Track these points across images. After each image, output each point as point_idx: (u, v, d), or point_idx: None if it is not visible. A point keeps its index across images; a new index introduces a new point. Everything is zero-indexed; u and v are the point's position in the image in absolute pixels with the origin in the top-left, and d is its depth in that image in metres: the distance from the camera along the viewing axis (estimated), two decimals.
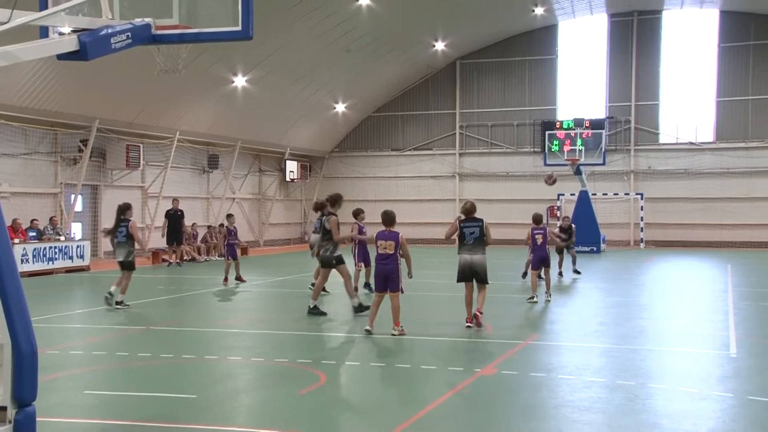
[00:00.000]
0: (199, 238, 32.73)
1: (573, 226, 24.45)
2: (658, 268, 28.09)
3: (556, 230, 23.06)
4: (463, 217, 13.57)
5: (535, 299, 16.71)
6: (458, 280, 13.57)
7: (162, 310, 15.88)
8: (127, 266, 16.19)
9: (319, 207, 16.78)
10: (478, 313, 13.25)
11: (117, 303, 15.95)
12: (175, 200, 30.21)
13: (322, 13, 30.48)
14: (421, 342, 12.52)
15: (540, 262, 17.51)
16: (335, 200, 15.56)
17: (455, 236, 13.71)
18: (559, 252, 22.77)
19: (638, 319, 15.27)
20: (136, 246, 16.60)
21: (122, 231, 16.32)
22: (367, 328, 12.74)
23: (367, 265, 17.62)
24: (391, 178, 43.05)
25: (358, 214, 18.19)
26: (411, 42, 37.96)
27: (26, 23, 7.31)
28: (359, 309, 14.69)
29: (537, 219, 17.84)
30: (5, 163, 25.58)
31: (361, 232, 17.67)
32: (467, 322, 13.33)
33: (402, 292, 12.81)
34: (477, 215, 13.61)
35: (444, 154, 42.78)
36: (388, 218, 13.11)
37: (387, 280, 12.71)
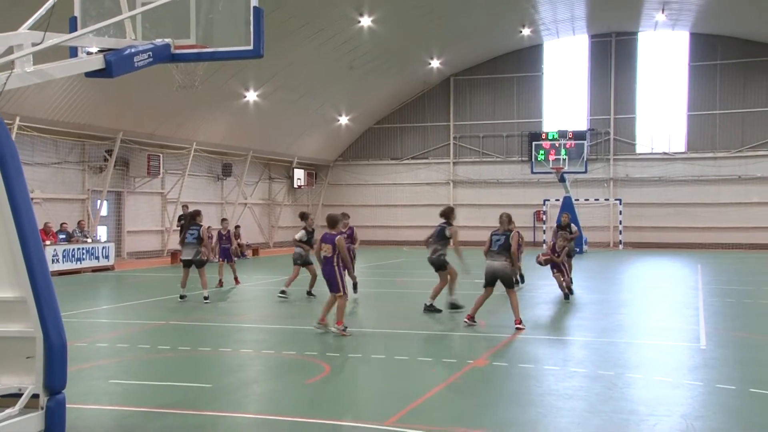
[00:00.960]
0: (214, 240, 32.64)
1: (573, 225, 20.16)
2: (635, 268, 28.09)
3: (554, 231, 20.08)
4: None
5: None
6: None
7: (179, 306, 15.86)
8: (198, 264, 16.48)
9: (446, 215, 15.40)
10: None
11: (205, 297, 16.23)
12: (184, 206, 29.26)
13: (326, 33, 30.52)
14: (418, 336, 12.52)
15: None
16: (450, 212, 15.23)
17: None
18: (569, 255, 18.24)
19: (617, 314, 15.28)
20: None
21: (193, 233, 16.61)
22: (315, 324, 12.42)
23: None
24: (390, 185, 43.04)
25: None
26: (409, 60, 37.99)
27: (58, 44, 7.32)
28: (454, 306, 14.53)
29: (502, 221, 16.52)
30: (38, 172, 25.59)
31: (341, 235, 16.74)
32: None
33: (343, 293, 12.20)
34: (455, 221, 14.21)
35: (439, 163, 42.78)
36: (331, 221, 12.65)
37: (328, 282, 12.27)
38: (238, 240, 22.26)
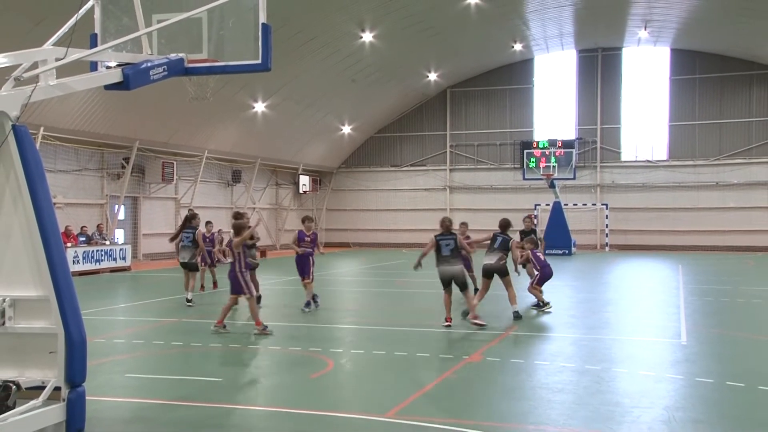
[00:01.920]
0: (224, 242, 32.63)
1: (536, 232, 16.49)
2: (620, 269, 28.08)
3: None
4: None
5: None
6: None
7: (192, 305, 15.82)
8: (191, 267, 15.90)
9: (505, 227, 14.33)
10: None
11: (188, 300, 15.56)
12: (190, 209, 28.93)
13: (330, 48, 30.55)
14: (417, 333, 12.50)
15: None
16: (507, 224, 14.31)
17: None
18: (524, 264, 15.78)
19: (603, 312, 15.27)
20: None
21: (189, 236, 15.98)
22: (213, 327, 12.24)
23: (305, 278, 14.85)
24: (391, 191, 43.04)
25: (304, 221, 15.49)
26: (408, 73, 38.02)
27: (79, 59, 7.34)
28: (517, 316, 13.73)
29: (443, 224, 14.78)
30: (60, 178, 25.60)
31: (302, 239, 14.94)
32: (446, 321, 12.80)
33: (250, 294, 12.13)
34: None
35: (436, 170, 42.78)
36: (236, 228, 12.64)
37: (231, 284, 12.31)
38: (222, 244, 19.94)
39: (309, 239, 14.95)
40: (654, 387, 8.55)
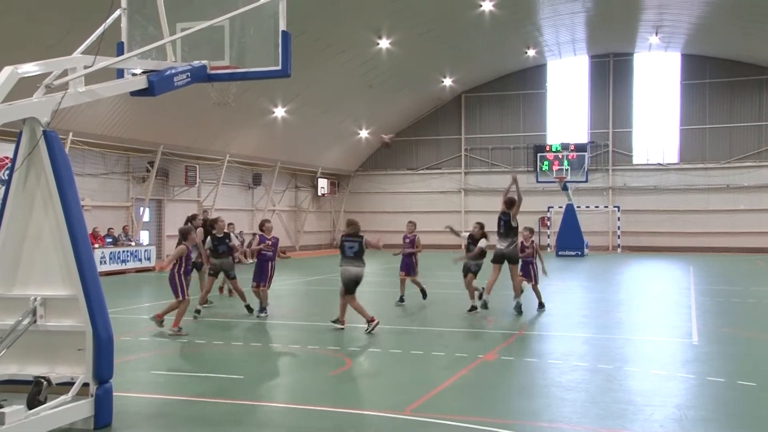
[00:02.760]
0: (245, 243, 32.76)
1: (487, 236, 14.87)
2: (632, 270, 27.90)
3: (465, 234, 15.82)
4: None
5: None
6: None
7: (214, 304, 15.88)
8: (198, 267, 15.21)
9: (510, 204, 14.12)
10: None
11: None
12: (204, 212, 28.02)
13: (348, 54, 30.59)
14: (433, 332, 12.50)
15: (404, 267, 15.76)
16: (512, 202, 14.08)
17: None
18: (470, 271, 14.61)
19: (616, 312, 15.17)
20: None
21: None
22: (151, 316, 12.30)
23: (262, 284, 13.94)
24: (407, 193, 43.00)
25: (263, 225, 14.66)
26: (423, 78, 38.00)
27: (106, 67, 7.40)
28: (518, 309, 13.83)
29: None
30: (88, 182, 25.78)
31: (263, 241, 14.21)
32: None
33: (182, 298, 11.93)
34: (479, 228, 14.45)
35: (451, 173, 42.71)
36: (181, 233, 12.81)
37: (171, 287, 12.28)
38: (243, 246, 17.33)
39: (270, 243, 14.13)
40: (666, 386, 8.49)
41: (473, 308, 14.20)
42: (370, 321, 12.04)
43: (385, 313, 14.05)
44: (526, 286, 14.47)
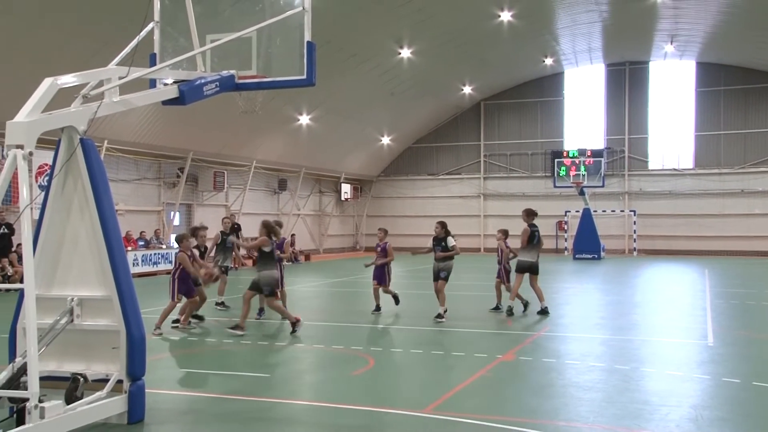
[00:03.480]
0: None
1: (451, 238, 13.76)
2: (648, 273, 27.65)
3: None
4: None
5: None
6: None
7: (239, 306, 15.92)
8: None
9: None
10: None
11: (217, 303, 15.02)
12: (231, 215, 27.87)
13: (370, 64, 30.66)
14: (453, 333, 12.47)
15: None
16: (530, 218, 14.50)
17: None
18: (440, 277, 13.62)
19: (632, 314, 15.06)
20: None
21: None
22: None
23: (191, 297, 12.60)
24: (427, 198, 42.97)
25: (193, 232, 13.89)
26: (443, 87, 37.98)
27: (140, 77, 7.50)
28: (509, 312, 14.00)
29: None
30: (121, 187, 26.04)
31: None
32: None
33: (172, 299, 12.16)
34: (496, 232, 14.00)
35: (471, 178, 42.62)
36: (177, 239, 12.70)
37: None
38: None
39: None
40: (681, 386, 8.41)
41: (440, 316, 13.26)
42: (294, 323, 11.97)
43: (407, 315, 14.04)
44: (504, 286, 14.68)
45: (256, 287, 12.11)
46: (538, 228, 14.43)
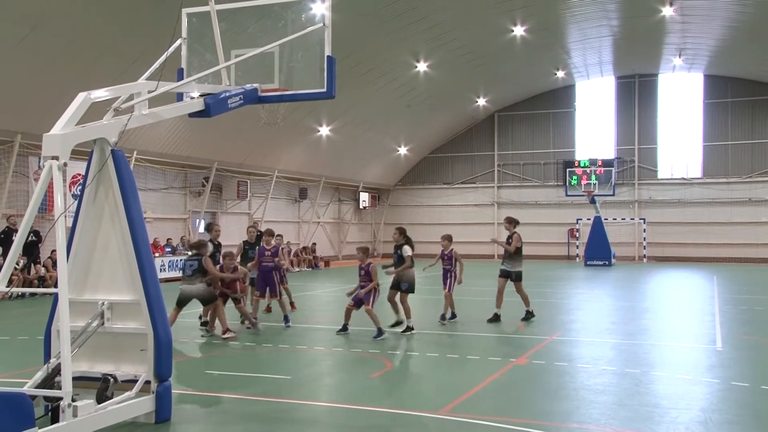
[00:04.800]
0: (292, 252, 33.02)
1: (408, 247, 12.62)
2: (657, 279, 27.41)
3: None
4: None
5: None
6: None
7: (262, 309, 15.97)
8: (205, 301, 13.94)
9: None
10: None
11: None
12: (254, 223, 27.95)
13: (388, 77, 30.74)
14: (467, 337, 12.43)
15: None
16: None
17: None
18: (400, 289, 12.64)
19: (642, 319, 14.93)
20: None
21: (193, 265, 14.98)
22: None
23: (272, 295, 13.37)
24: (443, 206, 42.91)
25: (209, 228, 13.74)
26: (458, 99, 37.98)
27: (168, 91, 7.57)
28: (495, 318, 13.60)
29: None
30: (150, 196, 26.25)
31: (262, 254, 13.23)
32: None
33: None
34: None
35: (485, 187, 42.53)
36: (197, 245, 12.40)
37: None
38: (290, 255, 14.98)
39: (269, 253, 13.18)
40: (691, 390, 8.33)
41: (408, 329, 12.28)
42: (223, 332, 11.78)
43: (422, 319, 14.01)
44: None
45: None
46: (197, 259, 12.26)
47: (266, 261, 13.16)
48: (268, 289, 13.46)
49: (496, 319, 13.73)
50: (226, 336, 11.76)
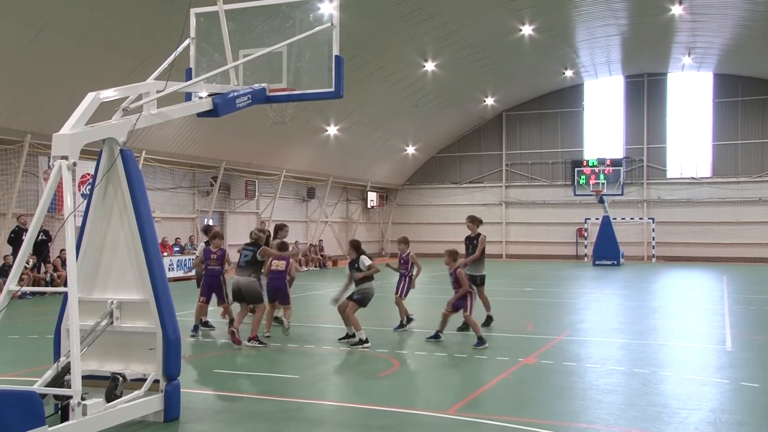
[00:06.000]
0: (301, 252, 33.04)
1: (366, 257, 11.60)
2: (666, 279, 27.30)
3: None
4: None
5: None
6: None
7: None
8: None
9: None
10: (233, 330, 11.28)
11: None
12: (262, 222, 27.49)
13: (396, 76, 30.73)
14: (475, 337, 12.38)
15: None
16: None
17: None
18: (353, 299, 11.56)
19: (651, 319, 14.88)
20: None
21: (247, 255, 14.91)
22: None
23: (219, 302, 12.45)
24: (451, 206, 42.84)
25: (215, 237, 12.84)
26: (466, 98, 37.93)
27: (176, 91, 7.59)
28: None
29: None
30: (158, 195, 26.33)
31: (208, 256, 12.43)
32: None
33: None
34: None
35: (493, 187, 42.46)
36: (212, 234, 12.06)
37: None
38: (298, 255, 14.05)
39: (215, 257, 12.35)
40: (700, 390, 8.29)
41: (361, 342, 11.19)
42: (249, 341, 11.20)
43: (430, 319, 14.00)
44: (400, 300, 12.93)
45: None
46: (252, 249, 11.84)
47: (212, 264, 12.26)
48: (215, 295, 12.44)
49: (488, 322, 13.13)
50: (250, 343, 11.09)
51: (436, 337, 11.50)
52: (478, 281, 13.01)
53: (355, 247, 11.65)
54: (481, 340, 11.02)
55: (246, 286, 11.32)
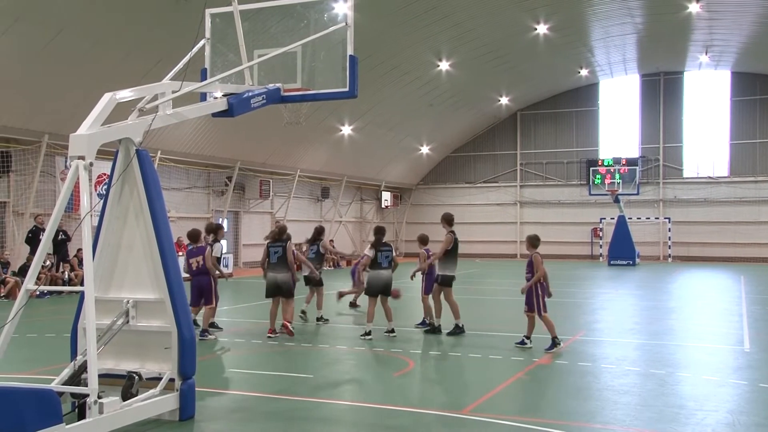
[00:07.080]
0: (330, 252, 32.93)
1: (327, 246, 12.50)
2: (683, 279, 27.10)
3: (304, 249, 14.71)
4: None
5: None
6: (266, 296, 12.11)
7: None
8: (314, 282, 14.15)
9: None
10: (286, 323, 11.79)
11: (318, 319, 13.88)
12: (277, 221, 26.68)
13: (410, 76, 30.71)
14: (490, 337, 12.37)
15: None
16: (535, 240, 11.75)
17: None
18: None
19: (667, 319, 14.76)
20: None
21: (313, 249, 14.76)
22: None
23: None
24: (465, 205, 42.73)
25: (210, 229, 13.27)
26: (481, 98, 37.85)
27: (191, 91, 7.62)
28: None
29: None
30: (173, 195, 26.48)
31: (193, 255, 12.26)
32: (269, 333, 11.82)
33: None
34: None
35: (507, 186, 42.35)
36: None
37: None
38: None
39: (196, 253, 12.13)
40: (717, 391, 8.21)
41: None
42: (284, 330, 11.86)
43: (444, 319, 13.97)
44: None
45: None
46: (281, 245, 12.21)
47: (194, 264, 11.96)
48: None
49: (456, 330, 12.37)
50: (270, 335, 11.88)
51: (522, 343, 10.93)
52: (440, 280, 12.36)
53: (421, 240, 13.19)
54: (554, 342, 10.58)
55: (285, 282, 12.01)
